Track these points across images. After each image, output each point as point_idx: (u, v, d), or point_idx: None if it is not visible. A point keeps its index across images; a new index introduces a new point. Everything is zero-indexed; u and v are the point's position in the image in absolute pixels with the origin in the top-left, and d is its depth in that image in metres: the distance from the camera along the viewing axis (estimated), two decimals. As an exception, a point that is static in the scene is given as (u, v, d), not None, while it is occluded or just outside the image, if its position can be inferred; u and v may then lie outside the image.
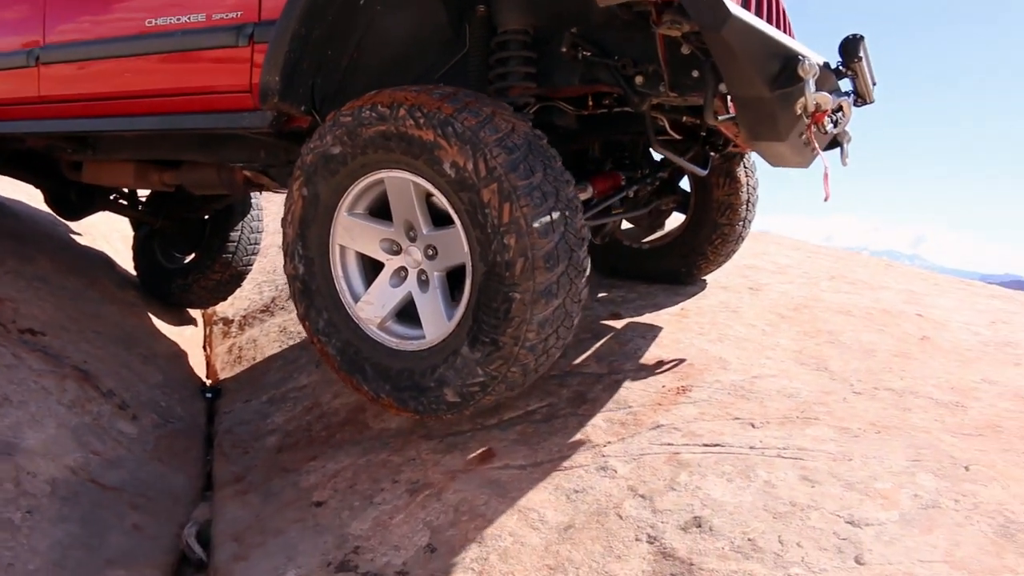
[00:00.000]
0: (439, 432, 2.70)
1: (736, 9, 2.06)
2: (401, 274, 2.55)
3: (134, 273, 5.04)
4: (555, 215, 2.22)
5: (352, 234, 2.57)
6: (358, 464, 2.66)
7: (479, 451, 2.53)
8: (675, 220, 4.04)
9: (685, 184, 3.89)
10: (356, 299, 2.61)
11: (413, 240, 2.48)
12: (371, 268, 2.64)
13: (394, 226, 2.49)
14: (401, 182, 2.41)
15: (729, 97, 2.32)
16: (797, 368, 2.95)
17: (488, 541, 2.12)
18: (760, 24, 2.18)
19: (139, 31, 3.01)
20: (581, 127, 3.20)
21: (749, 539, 1.96)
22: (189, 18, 2.88)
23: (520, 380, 2.40)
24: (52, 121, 3.33)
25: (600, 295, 3.84)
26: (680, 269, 3.95)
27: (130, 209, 4.82)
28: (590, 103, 2.93)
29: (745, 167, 3.79)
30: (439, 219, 2.43)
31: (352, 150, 2.43)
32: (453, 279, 2.48)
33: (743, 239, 3.92)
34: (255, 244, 4.82)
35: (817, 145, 2.36)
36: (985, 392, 2.79)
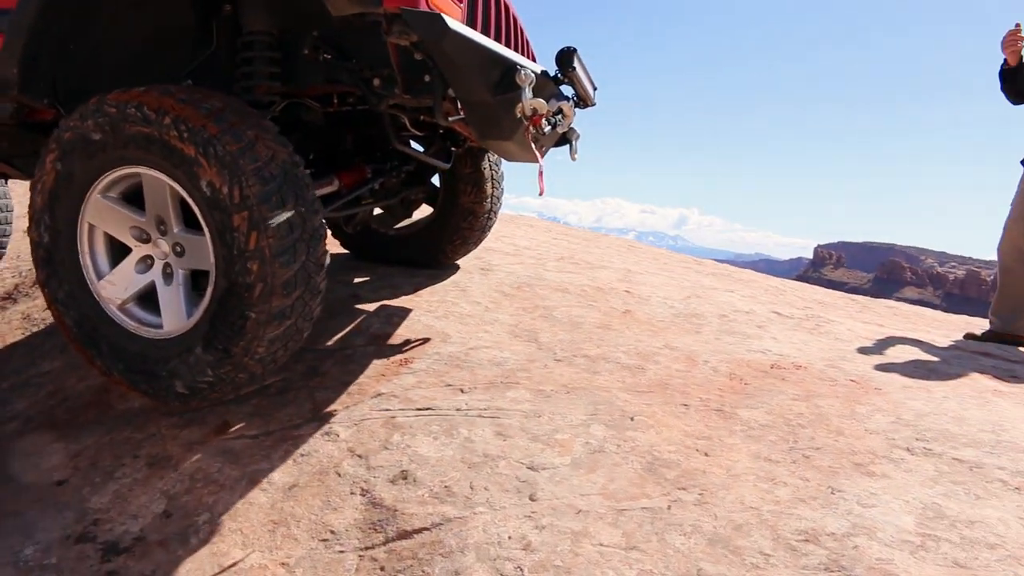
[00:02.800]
0: (179, 408, 2.89)
1: (455, 25, 2.33)
2: (147, 262, 2.66)
3: None
4: (299, 246, 2.40)
5: (103, 216, 2.63)
6: (101, 443, 2.80)
7: (216, 424, 2.75)
8: (426, 210, 4.38)
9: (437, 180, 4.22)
10: (100, 276, 2.69)
11: (163, 234, 2.59)
12: (118, 249, 2.71)
13: (146, 217, 2.58)
14: (157, 182, 2.49)
15: (458, 100, 2.60)
16: (510, 340, 3.38)
17: (219, 504, 2.36)
18: (479, 38, 2.48)
19: None
20: (329, 122, 3.43)
21: (446, 486, 2.32)
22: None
23: (246, 383, 2.65)
24: None
25: (341, 277, 4.13)
26: (426, 257, 4.32)
27: None
28: (335, 101, 3.15)
29: (493, 179, 4.16)
30: (191, 220, 2.52)
31: (113, 141, 2.47)
32: (197, 275, 2.63)
33: (493, 217, 4.30)
34: (4, 228, 4.66)
35: (539, 144, 2.69)
36: (664, 356, 3.33)
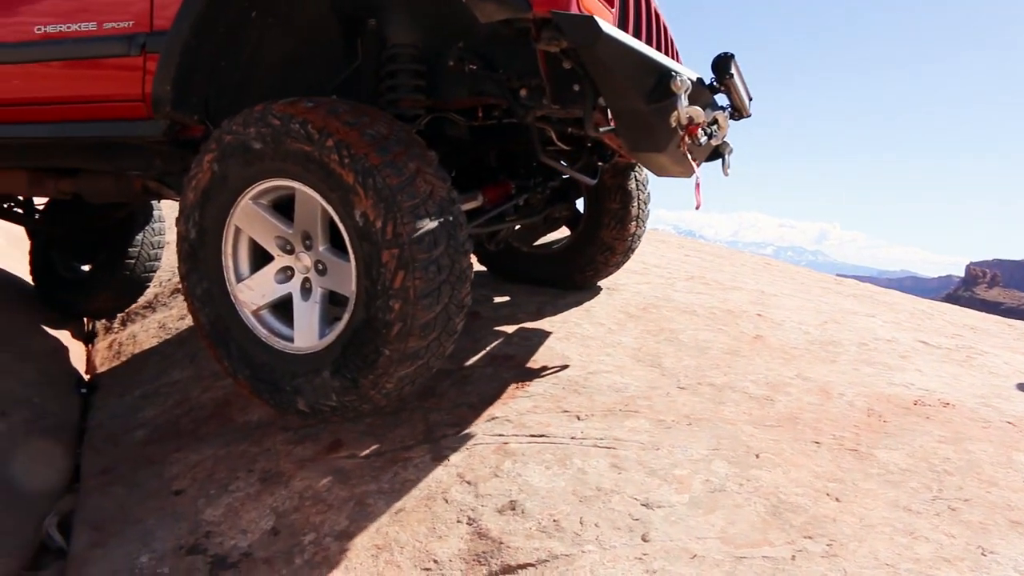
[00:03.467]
0: (295, 424, 2.89)
1: (608, 28, 2.21)
2: (287, 273, 2.63)
3: (14, 273, 5.05)
4: (443, 288, 2.34)
5: (250, 221, 2.61)
6: (218, 455, 2.84)
7: (329, 442, 2.74)
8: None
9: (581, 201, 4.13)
10: (239, 279, 2.68)
11: (308, 249, 2.56)
12: (260, 255, 2.69)
13: (293, 229, 2.55)
14: (310, 200, 2.44)
15: (609, 110, 2.48)
16: (632, 364, 3.24)
17: (325, 525, 2.34)
18: (633, 42, 2.35)
19: (29, 38, 3.01)
20: (473, 137, 3.35)
21: (554, 520, 2.22)
22: (80, 26, 2.90)
23: (367, 412, 2.61)
24: None
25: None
26: (559, 279, 4.22)
27: (25, 217, 4.72)
28: (480, 114, 3.05)
29: (637, 181, 4.03)
30: (338, 240, 2.45)
31: (272, 152, 2.44)
32: (335, 294, 2.59)
33: (633, 251, 4.18)
34: (157, 251, 4.81)
35: (693, 156, 2.54)
36: (795, 387, 3.12)
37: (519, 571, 2.05)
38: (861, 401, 3.00)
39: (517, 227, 4.07)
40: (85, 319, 5.00)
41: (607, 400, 2.89)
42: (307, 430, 2.85)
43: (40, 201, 4.84)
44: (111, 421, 3.36)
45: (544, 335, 3.52)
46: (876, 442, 2.64)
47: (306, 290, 2.61)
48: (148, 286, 4.85)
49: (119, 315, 4.85)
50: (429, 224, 2.31)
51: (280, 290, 2.64)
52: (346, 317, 2.45)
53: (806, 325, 4.07)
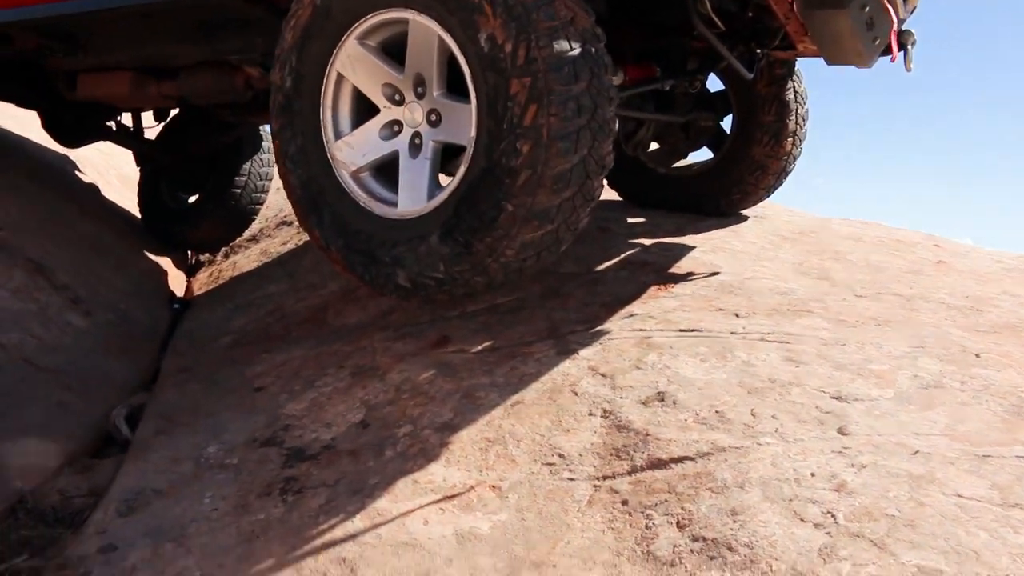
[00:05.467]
0: (397, 323, 2.48)
1: None
2: (394, 128, 2.23)
3: (128, 208, 4.85)
4: (583, 134, 1.91)
5: (355, 66, 2.24)
6: (308, 355, 2.45)
7: (435, 338, 2.31)
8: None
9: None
10: (338, 136, 2.29)
11: (420, 97, 2.17)
12: (364, 109, 2.31)
13: (404, 74, 2.17)
14: (427, 31, 2.07)
15: None
16: (794, 275, 2.69)
17: (425, 417, 1.90)
18: None
19: None
20: (613, 12, 2.88)
21: (717, 411, 1.71)
22: None
23: (480, 289, 2.14)
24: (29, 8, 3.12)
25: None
26: (713, 200, 3.60)
27: (132, 140, 4.56)
28: None
29: (796, 93, 3.43)
30: (456, 85, 2.08)
31: None
32: (448, 153, 2.20)
33: (787, 174, 3.53)
34: (265, 183, 4.49)
35: (869, 35, 2.13)
36: (1005, 302, 2.51)
37: (672, 465, 1.57)
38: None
39: (654, 143, 3.55)
40: (190, 252, 4.74)
41: (770, 301, 2.35)
42: (409, 328, 2.42)
43: (150, 128, 4.63)
44: (199, 329, 3.03)
45: (687, 248, 2.97)
46: None
47: (415, 146, 2.17)
48: (254, 218, 4.52)
49: (223, 248, 4.56)
50: (570, 51, 1.87)
51: (385, 148, 2.21)
52: (462, 169, 2.00)
53: (998, 255, 3.40)
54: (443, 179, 2.12)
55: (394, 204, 2.18)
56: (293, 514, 1.65)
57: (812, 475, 1.44)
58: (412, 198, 2.14)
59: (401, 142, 2.19)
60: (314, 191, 2.28)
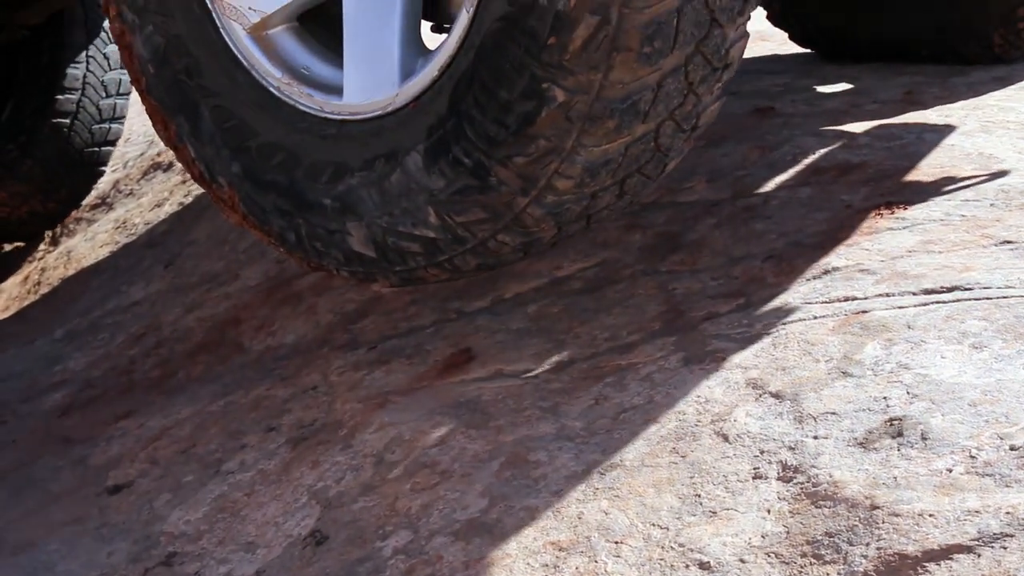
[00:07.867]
0: (371, 334, 1.51)
1: None
2: None
3: None
4: None
5: None
6: (207, 412, 1.50)
7: (447, 353, 1.37)
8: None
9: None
10: None
11: None
12: None
13: None
14: None
15: None
16: None
17: (435, 514, 1.03)
18: None
19: None
20: None
21: (1012, 448, 0.88)
22: None
23: (510, 255, 1.25)
24: None
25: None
26: (978, 36, 2.18)
27: None
28: None
29: None
30: None
31: None
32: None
33: None
34: (116, 99, 2.94)
35: None
36: None
37: (928, 567, 0.75)
38: None
39: None
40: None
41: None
42: (396, 339, 1.48)
43: None
44: (2, 384, 2.06)
45: (931, 128, 1.90)
46: None
47: None
48: (101, 167, 3.00)
49: (46, 230, 3.08)
50: None
51: None
52: (464, 18, 1.08)
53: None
54: (429, 40, 1.21)
55: (337, 90, 1.26)
56: None
57: None
58: (370, 77, 1.23)
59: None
60: (180, 68, 1.33)
